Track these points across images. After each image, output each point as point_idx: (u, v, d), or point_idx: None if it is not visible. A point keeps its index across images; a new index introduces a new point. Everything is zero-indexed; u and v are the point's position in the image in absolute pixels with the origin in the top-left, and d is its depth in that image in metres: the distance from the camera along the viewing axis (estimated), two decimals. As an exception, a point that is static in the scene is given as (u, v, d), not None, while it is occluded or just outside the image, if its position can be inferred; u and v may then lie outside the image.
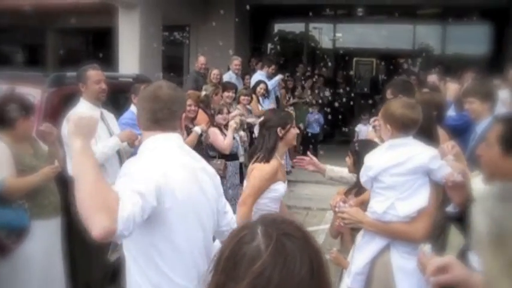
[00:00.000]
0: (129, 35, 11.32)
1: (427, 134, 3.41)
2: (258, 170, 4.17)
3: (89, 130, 2.39)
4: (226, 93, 8.48)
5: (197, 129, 6.55)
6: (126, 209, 2.16)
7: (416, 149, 3.27)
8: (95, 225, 2.05)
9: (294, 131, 4.29)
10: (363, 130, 10.20)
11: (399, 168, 3.26)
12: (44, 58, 16.46)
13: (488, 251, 1.56)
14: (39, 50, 16.62)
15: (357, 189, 3.95)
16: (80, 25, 15.43)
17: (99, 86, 5.22)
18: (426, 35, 18.43)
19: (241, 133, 7.72)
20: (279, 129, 4.17)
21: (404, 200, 3.26)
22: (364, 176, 3.44)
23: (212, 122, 7.20)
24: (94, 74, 5.24)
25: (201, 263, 2.63)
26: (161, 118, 2.68)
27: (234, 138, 7.30)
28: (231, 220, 3.01)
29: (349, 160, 4.20)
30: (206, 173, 2.80)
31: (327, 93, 13.80)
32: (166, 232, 2.52)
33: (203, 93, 7.92)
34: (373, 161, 3.39)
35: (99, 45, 14.91)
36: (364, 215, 3.43)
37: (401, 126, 3.28)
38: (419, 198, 3.26)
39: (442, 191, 3.13)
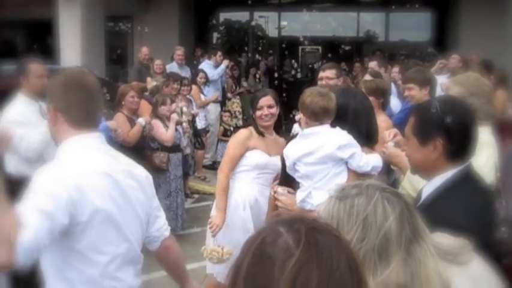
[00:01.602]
0: (70, 26, 11.07)
1: (366, 122, 3.43)
2: (231, 138, 4.79)
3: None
4: (182, 88, 8.56)
5: (141, 121, 6.48)
6: (28, 237, 1.93)
7: (325, 138, 3.25)
8: None
9: (260, 111, 4.53)
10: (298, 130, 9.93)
11: (310, 158, 3.26)
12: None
13: None
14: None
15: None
16: (18, 16, 15.03)
17: (41, 80, 5.07)
18: (370, 22, 18.70)
19: (184, 124, 7.69)
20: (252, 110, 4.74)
21: (319, 189, 3.24)
22: (286, 166, 3.48)
23: (155, 114, 7.13)
24: (36, 68, 5.09)
25: (122, 276, 2.46)
26: (90, 113, 2.49)
27: (176, 129, 7.25)
28: (163, 226, 2.77)
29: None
30: (131, 177, 2.52)
31: (267, 81, 13.85)
32: (81, 248, 2.29)
33: (153, 83, 7.88)
34: (289, 150, 3.42)
35: (39, 37, 14.56)
36: (294, 203, 3.45)
37: (312, 115, 3.28)
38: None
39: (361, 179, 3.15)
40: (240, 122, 11.96)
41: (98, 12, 11.74)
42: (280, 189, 3.57)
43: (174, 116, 7.14)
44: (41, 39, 13.81)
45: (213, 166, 10.89)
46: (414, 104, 4.72)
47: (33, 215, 1.99)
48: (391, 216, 1.60)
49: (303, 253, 1.15)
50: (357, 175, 3.18)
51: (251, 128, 4.63)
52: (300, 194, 3.35)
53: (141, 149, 6.71)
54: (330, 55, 13.42)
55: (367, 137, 3.32)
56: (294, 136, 3.66)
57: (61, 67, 8.28)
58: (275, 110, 4.56)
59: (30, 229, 1.94)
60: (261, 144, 4.56)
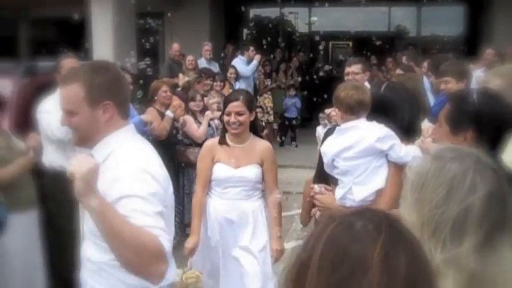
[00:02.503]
0: (102, 24, 11.17)
1: (408, 116, 3.36)
2: None
3: (93, 178, 2.06)
4: (215, 83, 8.61)
5: (169, 113, 6.47)
6: (166, 242, 2.12)
7: (364, 131, 3.20)
8: (154, 277, 2.10)
9: (226, 117, 4.18)
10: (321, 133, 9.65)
11: (349, 152, 3.20)
12: (17, 49, 16.23)
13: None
14: (12, 41, 16.37)
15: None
16: (52, 15, 15.27)
17: None
18: (401, 17, 18.51)
19: (216, 121, 7.66)
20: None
21: (360, 184, 3.20)
22: (323, 162, 3.43)
23: (188, 109, 7.15)
24: (67, 62, 5.16)
25: None
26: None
27: (209, 125, 7.25)
28: None
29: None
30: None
31: (300, 77, 13.78)
32: None
33: (186, 79, 7.91)
34: (326, 146, 3.38)
35: (72, 35, 14.70)
36: (334, 200, 3.41)
37: (347, 109, 3.23)
38: (376, 181, 3.20)
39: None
40: (272, 118, 11.96)
41: (129, 9, 11.80)
42: (317, 187, 3.53)
43: (208, 113, 7.13)
44: (74, 37, 13.96)
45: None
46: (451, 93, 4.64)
47: (156, 221, 2.15)
48: (479, 192, 1.52)
49: (387, 235, 1.08)
50: (398, 167, 3.14)
51: (215, 139, 4.44)
52: (339, 191, 3.30)
53: (172, 143, 6.73)
54: (360, 50, 13.33)
55: (408, 131, 3.25)
56: (329, 133, 3.60)
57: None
58: (244, 118, 4.11)
59: (162, 235, 2.12)
60: (225, 155, 4.24)
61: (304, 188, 3.74)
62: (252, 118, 4.24)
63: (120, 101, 2.39)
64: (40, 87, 5.38)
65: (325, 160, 3.35)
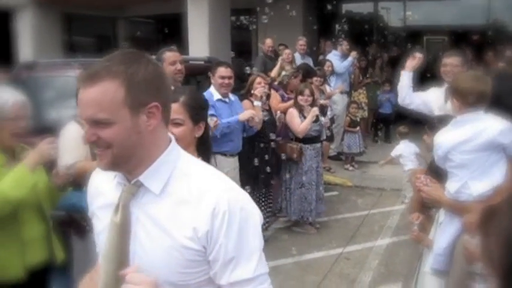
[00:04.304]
0: (198, 20, 11.43)
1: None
2: None
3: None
4: (315, 78, 8.61)
5: (257, 104, 6.46)
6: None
7: (484, 124, 3.09)
8: None
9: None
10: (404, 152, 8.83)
11: (468, 145, 3.11)
12: (116, 47, 16.83)
13: None
14: (111, 39, 17.01)
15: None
16: (149, 13, 15.73)
17: (175, 67, 5.28)
18: (500, 9, 17.77)
19: (324, 118, 7.59)
20: None
21: (477, 179, 3.10)
22: (435, 155, 3.32)
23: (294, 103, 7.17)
24: (170, 55, 5.32)
25: None
26: None
27: (317, 121, 7.23)
28: None
29: (428, 138, 4.07)
30: None
31: (392, 72, 13.51)
32: None
33: (283, 73, 7.93)
34: (441, 138, 3.27)
35: (169, 32, 15.10)
36: (443, 194, 3.32)
37: (467, 100, 3.12)
38: (494, 176, 3.10)
39: None
40: (366, 114, 11.80)
41: (224, 5, 12.01)
42: (423, 178, 3.46)
43: (315, 110, 7.11)
44: (170, 34, 14.33)
45: (338, 157, 10.85)
46: None
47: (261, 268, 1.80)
48: None
49: None
50: None
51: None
52: (453, 185, 3.21)
53: (264, 136, 6.75)
54: (456, 45, 12.91)
55: None
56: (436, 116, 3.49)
57: (190, 57, 8.49)
58: (182, 132, 2.71)
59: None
60: None
61: (411, 180, 3.68)
62: (199, 133, 2.83)
63: (166, 103, 1.77)
64: None
65: (439, 152, 3.25)
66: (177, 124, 2.70)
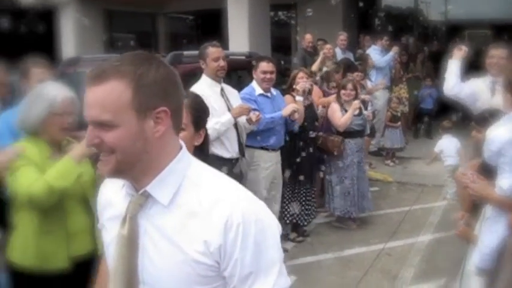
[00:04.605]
0: (238, 15, 11.47)
1: None
2: None
3: None
4: (355, 73, 8.58)
5: (299, 98, 6.42)
6: None
7: None
8: None
9: None
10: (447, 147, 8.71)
11: None
12: (156, 42, 17.01)
13: None
14: (151, 35, 17.17)
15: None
16: (188, 9, 15.84)
17: (218, 63, 5.32)
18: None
19: (365, 112, 7.55)
20: None
21: None
22: (487, 150, 3.25)
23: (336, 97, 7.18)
24: (213, 51, 5.34)
25: None
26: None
27: (360, 115, 7.22)
28: None
29: (478, 134, 3.98)
30: None
31: (433, 67, 13.34)
32: None
33: (324, 69, 7.93)
34: (494, 133, 3.19)
35: (208, 27, 15.18)
36: (491, 190, 3.25)
37: None
38: None
39: None
40: (407, 109, 11.68)
41: (264, 1, 12.02)
42: (470, 175, 3.40)
43: (356, 103, 7.10)
44: (209, 30, 14.41)
45: (379, 152, 10.78)
46: None
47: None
48: None
49: None
50: None
51: None
52: (505, 181, 3.15)
53: (306, 131, 6.75)
54: (499, 39, 12.65)
55: None
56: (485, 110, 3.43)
57: (231, 52, 8.52)
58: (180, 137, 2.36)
59: None
60: None
61: (455, 176, 3.63)
62: (199, 141, 2.61)
63: (176, 108, 1.65)
64: (186, 75, 5.66)
65: (491, 147, 3.19)
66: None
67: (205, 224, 1.56)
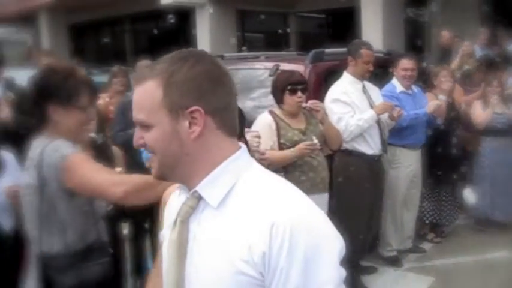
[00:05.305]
0: (372, 13, 11.44)
1: None
2: None
3: None
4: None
5: (441, 97, 6.36)
6: None
7: None
8: None
9: None
10: None
11: None
12: (287, 42, 17.22)
13: None
14: (282, 35, 17.41)
15: None
16: (320, 7, 15.91)
17: (368, 66, 5.43)
18: None
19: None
20: None
21: None
22: None
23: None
24: (367, 53, 5.44)
25: None
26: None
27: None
28: None
29: None
30: None
31: None
32: None
33: (465, 67, 7.74)
34: None
35: (339, 26, 15.20)
36: None
37: None
38: None
39: None
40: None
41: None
42: None
43: (495, 97, 6.88)
44: (341, 28, 14.43)
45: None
46: None
47: None
48: None
49: None
50: None
51: None
52: None
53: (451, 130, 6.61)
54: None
55: None
56: None
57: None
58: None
59: None
60: None
61: None
62: None
63: (217, 108, 1.51)
64: (327, 72, 5.84)
65: None
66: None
67: (251, 227, 1.41)
